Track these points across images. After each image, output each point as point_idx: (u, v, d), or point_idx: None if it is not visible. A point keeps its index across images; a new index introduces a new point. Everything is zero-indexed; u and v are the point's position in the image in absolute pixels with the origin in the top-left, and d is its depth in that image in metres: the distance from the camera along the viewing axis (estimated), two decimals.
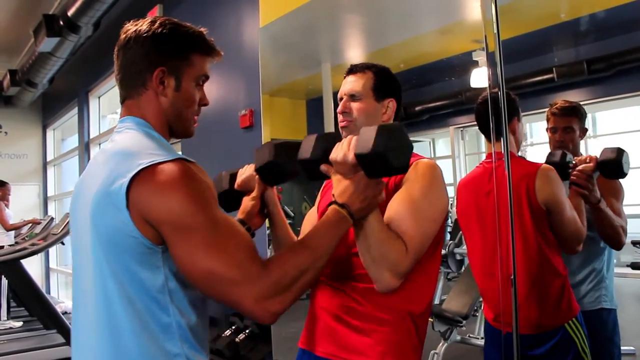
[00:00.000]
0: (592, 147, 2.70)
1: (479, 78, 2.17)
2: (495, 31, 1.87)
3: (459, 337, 2.62)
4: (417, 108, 2.79)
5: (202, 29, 1.24)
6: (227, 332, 3.23)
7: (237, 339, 3.13)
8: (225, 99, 4.03)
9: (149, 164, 1.03)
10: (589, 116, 2.52)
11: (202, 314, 1.15)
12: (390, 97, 1.54)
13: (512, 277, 1.84)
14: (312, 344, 1.53)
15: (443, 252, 2.75)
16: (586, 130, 2.13)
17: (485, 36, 1.90)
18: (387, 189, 1.40)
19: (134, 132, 1.17)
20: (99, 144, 7.27)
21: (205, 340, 1.18)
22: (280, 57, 3.46)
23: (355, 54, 3.13)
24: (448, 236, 2.88)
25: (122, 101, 1.23)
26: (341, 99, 1.56)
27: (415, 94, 2.84)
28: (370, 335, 1.41)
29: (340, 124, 1.55)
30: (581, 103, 2.44)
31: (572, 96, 2.55)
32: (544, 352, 1.91)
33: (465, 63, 2.33)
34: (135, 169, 1.03)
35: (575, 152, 2.06)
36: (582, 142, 2.19)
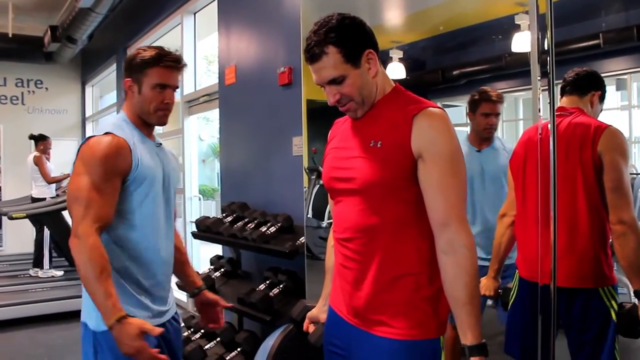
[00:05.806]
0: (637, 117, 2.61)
1: (521, 42, 2.11)
2: None
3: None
4: (455, 72, 2.72)
5: (159, 51, 1.80)
6: (262, 287, 3.29)
7: (271, 293, 3.19)
8: (264, 57, 4.02)
9: (91, 136, 1.71)
10: (634, 85, 2.43)
11: None
12: (364, 50, 1.42)
13: (553, 228, 1.84)
14: (340, 308, 1.55)
15: None
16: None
17: None
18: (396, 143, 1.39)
19: (113, 116, 1.96)
20: None
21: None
22: (321, 15, 3.40)
23: (394, 15, 3.06)
24: None
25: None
26: (321, 86, 1.46)
27: (453, 57, 2.77)
28: (387, 308, 1.43)
29: (344, 110, 1.49)
30: (629, 71, 2.35)
31: (620, 63, 2.46)
32: (578, 309, 1.95)
33: (507, 27, 2.26)
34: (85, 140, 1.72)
35: None
36: (625, 113, 2.13)
